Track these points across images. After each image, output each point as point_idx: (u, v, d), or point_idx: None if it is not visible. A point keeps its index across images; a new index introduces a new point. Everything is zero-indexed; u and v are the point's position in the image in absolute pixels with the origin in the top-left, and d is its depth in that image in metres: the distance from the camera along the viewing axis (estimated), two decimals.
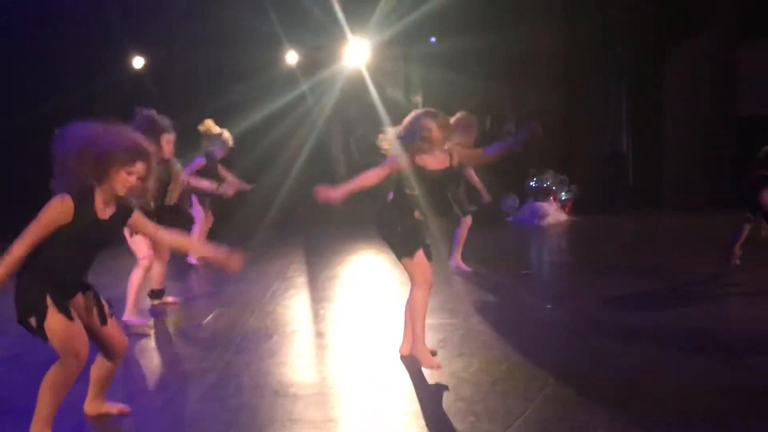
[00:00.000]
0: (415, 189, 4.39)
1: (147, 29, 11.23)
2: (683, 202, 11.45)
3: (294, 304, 6.32)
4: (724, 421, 3.62)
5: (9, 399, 4.09)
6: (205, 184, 6.80)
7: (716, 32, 11.39)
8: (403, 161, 4.36)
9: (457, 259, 7.31)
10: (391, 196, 4.50)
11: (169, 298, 6.32)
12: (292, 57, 11.97)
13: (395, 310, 5.57)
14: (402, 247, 4.43)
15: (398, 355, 4.66)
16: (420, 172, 4.38)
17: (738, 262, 7.05)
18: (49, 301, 3.30)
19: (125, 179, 3.42)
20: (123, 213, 3.54)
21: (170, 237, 3.86)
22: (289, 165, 11.47)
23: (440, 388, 4.15)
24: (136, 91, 11.47)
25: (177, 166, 5.87)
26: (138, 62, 11.95)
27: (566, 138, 11.90)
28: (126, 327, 5.33)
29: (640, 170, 11.70)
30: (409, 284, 4.55)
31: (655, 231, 10.15)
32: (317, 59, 11.92)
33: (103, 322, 3.56)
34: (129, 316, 5.56)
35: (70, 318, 3.35)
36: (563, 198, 11.19)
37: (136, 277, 5.62)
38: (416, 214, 4.49)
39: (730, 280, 6.80)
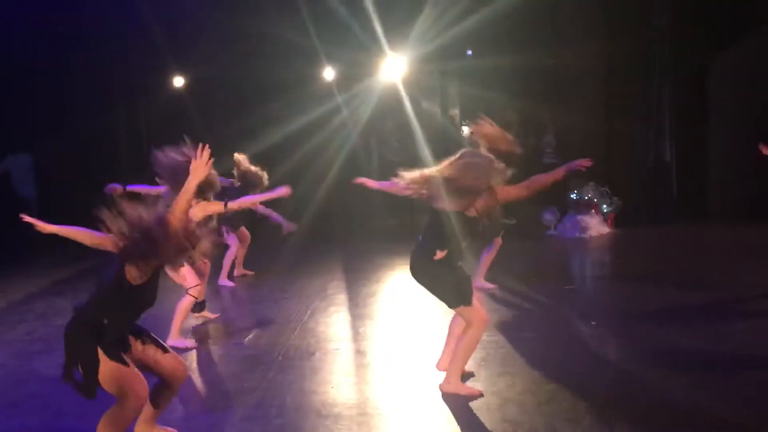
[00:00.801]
0: (464, 239, 4.22)
1: (189, 49, 11.44)
2: (730, 212, 11.14)
3: (335, 322, 6.31)
4: None
5: (58, 421, 4.15)
6: (247, 202, 6.78)
7: (759, 37, 11.10)
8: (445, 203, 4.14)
9: (480, 279, 7.09)
10: (441, 255, 4.23)
11: (209, 314, 6.37)
12: (329, 73, 12.05)
13: (436, 328, 5.52)
14: (455, 299, 4.28)
15: (439, 374, 4.60)
16: (469, 220, 4.22)
17: None
18: (99, 352, 3.36)
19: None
20: (157, 274, 3.56)
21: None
22: (324, 178, 11.52)
23: (484, 408, 4.09)
24: (178, 108, 11.70)
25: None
26: (178, 81, 12.16)
27: (607, 149, 11.69)
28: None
29: (685, 180, 11.42)
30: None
31: (701, 243, 9.89)
32: (354, 74, 11.99)
33: (164, 350, 3.63)
34: (173, 341, 5.61)
35: (124, 364, 3.40)
36: (605, 210, 11.00)
37: (184, 306, 5.69)
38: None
39: None
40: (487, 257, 7.12)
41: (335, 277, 8.28)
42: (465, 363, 4.39)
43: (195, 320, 6.31)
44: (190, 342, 5.70)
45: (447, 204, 4.14)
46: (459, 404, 4.15)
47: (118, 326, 3.47)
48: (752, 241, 9.40)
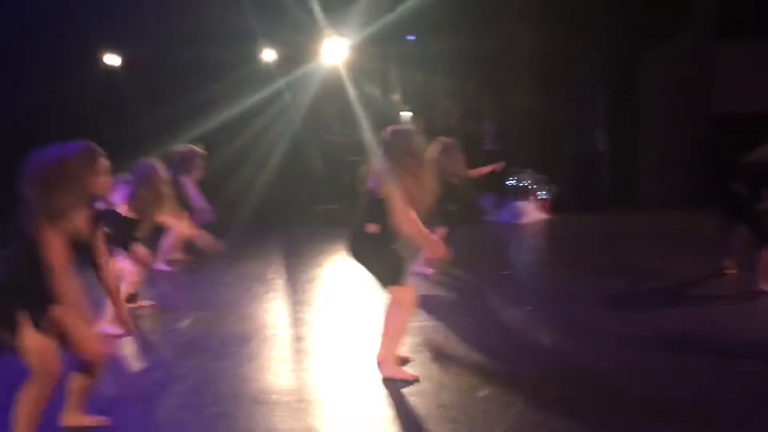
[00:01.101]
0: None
1: (122, 26, 11.09)
2: (659, 199, 11.55)
3: (273, 307, 6.27)
4: (705, 425, 3.64)
5: None
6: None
7: (691, 33, 11.48)
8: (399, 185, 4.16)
9: (420, 264, 7.14)
10: (374, 228, 4.23)
11: (143, 302, 6.24)
12: (269, 54, 11.88)
13: (375, 314, 5.54)
14: (393, 276, 4.28)
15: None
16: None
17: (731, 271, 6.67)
18: (24, 317, 3.23)
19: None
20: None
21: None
22: (265, 162, 11.39)
23: (420, 394, 4.13)
24: (111, 88, 11.35)
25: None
26: (112, 59, 11.79)
27: (544, 137, 11.95)
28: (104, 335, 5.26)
29: (617, 169, 11.77)
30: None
31: (632, 229, 10.22)
32: (294, 56, 11.86)
33: (88, 329, 3.49)
34: (106, 326, 5.47)
35: (47, 336, 3.28)
36: (542, 197, 11.23)
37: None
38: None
39: (708, 279, 6.86)
40: None
41: (275, 262, 8.23)
42: (397, 345, 4.41)
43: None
44: (122, 329, 5.54)
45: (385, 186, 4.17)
46: (395, 391, 4.18)
47: (39, 294, 3.33)
48: (679, 228, 9.76)
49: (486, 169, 7.57)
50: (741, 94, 11.40)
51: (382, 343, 4.43)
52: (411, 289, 4.39)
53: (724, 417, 3.73)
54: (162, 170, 5.83)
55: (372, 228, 4.25)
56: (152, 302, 6.31)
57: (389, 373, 4.33)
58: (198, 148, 7.94)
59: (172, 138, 8.71)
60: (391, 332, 4.36)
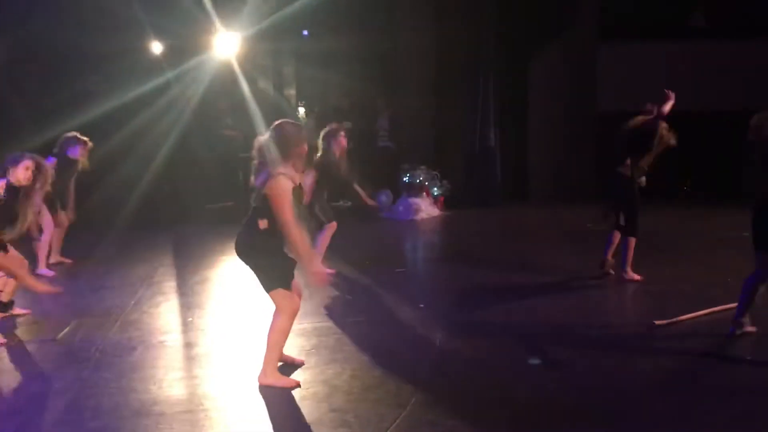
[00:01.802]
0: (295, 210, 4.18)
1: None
2: (548, 195, 11.99)
3: (161, 312, 6.02)
4: (578, 418, 3.78)
5: None
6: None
7: (576, 33, 11.96)
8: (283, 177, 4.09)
9: (317, 263, 7.08)
10: (264, 224, 4.13)
11: (19, 310, 5.84)
12: (156, 46, 11.42)
13: (268, 318, 5.41)
14: (277, 280, 4.17)
15: None
16: (297, 190, 4.17)
17: (611, 271, 6.82)
18: None
19: None
20: None
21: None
22: (152, 157, 10.91)
23: (313, 398, 4.07)
24: None
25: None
26: None
27: (437, 134, 12.13)
28: None
29: (508, 165, 12.11)
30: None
31: (521, 224, 10.54)
32: (184, 49, 11.45)
33: None
34: None
35: None
36: (435, 193, 11.40)
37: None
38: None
39: (590, 273, 7.16)
40: (322, 242, 7.07)
41: (162, 263, 7.91)
42: (278, 353, 4.31)
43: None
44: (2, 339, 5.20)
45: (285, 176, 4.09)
46: (287, 397, 4.10)
47: None
48: (566, 222, 10.16)
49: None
50: (624, 94, 11.98)
51: (265, 352, 4.31)
52: (294, 295, 4.26)
53: (626, 409, 3.89)
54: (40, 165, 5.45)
55: (263, 224, 4.13)
56: (27, 310, 5.91)
57: (269, 381, 4.22)
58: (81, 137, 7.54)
59: (50, 129, 8.22)
60: (272, 341, 4.24)
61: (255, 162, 4.25)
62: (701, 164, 11.70)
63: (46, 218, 7.35)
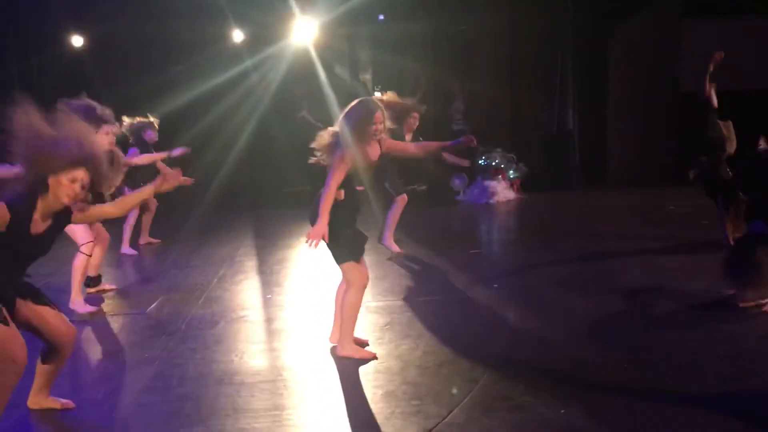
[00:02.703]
0: (363, 184, 4.31)
1: (87, 6, 10.86)
2: (628, 177, 11.68)
3: (242, 290, 6.26)
4: (652, 395, 3.73)
5: None
6: (146, 158, 6.82)
7: (658, 10, 11.56)
8: (354, 153, 4.21)
9: (389, 239, 7.15)
10: (340, 194, 4.23)
11: (106, 286, 6.18)
12: (237, 35, 11.73)
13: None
14: (348, 253, 4.29)
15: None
16: (366, 164, 4.29)
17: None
18: None
19: (68, 187, 3.20)
20: (61, 222, 3.40)
21: (121, 202, 3.74)
22: (233, 144, 11.26)
23: (387, 372, 4.16)
24: (76, 68, 11.13)
25: (119, 154, 5.70)
26: (77, 41, 11.55)
27: (514, 116, 11.99)
28: (72, 314, 5.25)
29: (587, 147, 11.86)
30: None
31: (600, 207, 10.33)
32: (263, 36, 11.71)
33: (52, 311, 3.45)
34: (75, 304, 5.46)
35: (5, 323, 3.19)
36: (512, 176, 11.29)
37: (78, 264, 5.50)
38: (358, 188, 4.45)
39: (671, 256, 6.98)
40: (392, 216, 7.12)
41: (244, 244, 8.19)
42: (353, 325, 4.40)
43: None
44: (92, 307, 5.55)
45: (353, 151, 4.19)
46: (362, 370, 4.21)
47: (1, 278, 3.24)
48: (645, 206, 9.89)
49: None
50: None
51: (336, 324, 4.45)
52: (363, 269, 4.38)
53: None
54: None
55: (339, 195, 4.24)
56: (114, 286, 6.24)
57: (346, 352, 4.35)
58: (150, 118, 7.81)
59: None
60: (345, 314, 4.36)
61: (327, 141, 4.31)
62: None
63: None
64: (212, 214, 9.69)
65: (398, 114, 6.87)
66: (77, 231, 5.40)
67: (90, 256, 5.56)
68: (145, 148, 7.58)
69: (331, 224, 4.22)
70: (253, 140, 11.47)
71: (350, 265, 4.31)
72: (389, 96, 6.72)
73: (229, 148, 11.12)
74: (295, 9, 11.00)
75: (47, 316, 3.45)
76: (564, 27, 11.48)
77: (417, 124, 7.12)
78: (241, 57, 11.73)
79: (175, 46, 11.39)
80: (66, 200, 3.24)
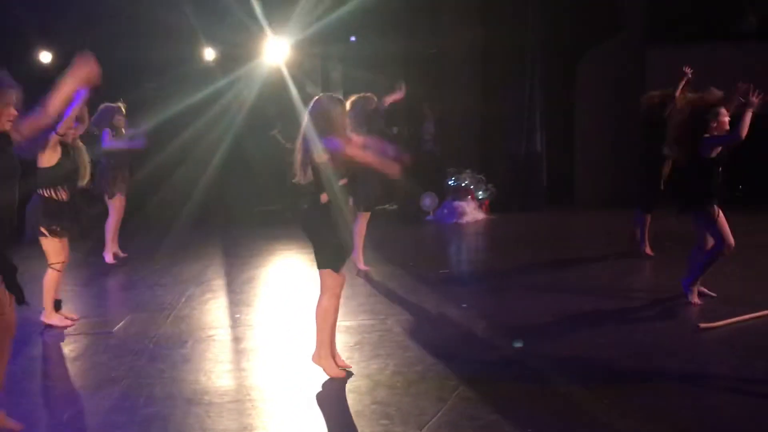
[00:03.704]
0: (344, 179, 4.29)
1: (56, 23, 10.80)
2: (595, 199, 11.87)
3: (211, 309, 6.22)
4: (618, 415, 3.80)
5: None
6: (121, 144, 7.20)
7: (625, 36, 11.85)
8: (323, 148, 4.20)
9: (359, 253, 7.17)
10: (325, 197, 4.27)
11: (69, 315, 5.85)
12: (209, 53, 11.76)
13: (313, 313, 5.55)
14: (331, 260, 4.32)
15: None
16: (340, 160, 4.27)
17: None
18: None
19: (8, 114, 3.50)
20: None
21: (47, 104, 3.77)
22: (205, 162, 11.24)
23: (356, 391, 4.18)
24: (45, 85, 11.02)
25: (80, 144, 5.71)
26: (45, 56, 11.46)
27: (483, 138, 12.14)
28: (47, 329, 5.34)
29: (555, 169, 12.05)
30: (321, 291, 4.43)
31: (568, 228, 10.49)
32: (236, 55, 11.75)
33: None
34: (51, 319, 5.52)
35: None
36: (481, 197, 11.42)
37: (49, 279, 5.50)
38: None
39: (636, 275, 7.12)
40: (358, 232, 7.03)
41: (213, 262, 8.15)
42: (325, 334, 4.41)
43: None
44: (68, 321, 5.58)
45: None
46: (331, 390, 4.22)
47: None
48: (611, 227, 10.04)
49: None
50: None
51: (317, 333, 4.46)
52: (340, 278, 4.40)
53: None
54: None
55: (324, 198, 4.28)
56: (77, 318, 5.86)
57: (321, 363, 4.40)
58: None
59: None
60: (317, 320, 4.40)
61: (299, 146, 4.32)
62: (752, 168, 11.43)
63: (110, 201, 7.73)
64: (183, 232, 9.61)
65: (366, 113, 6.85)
66: (50, 249, 5.39)
67: (60, 272, 5.53)
68: (115, 131, 7.69)
69: (320, 227, 4.28)
70: (226, 158, 11.46)
71: (327, 272, 4.35)
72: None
73: (203, 166, 11.09)
74: (267, 29, 11.07)
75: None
76: (533, 51, 11.70)
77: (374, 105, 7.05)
78: (215, 76, 11.74)
79: (147, 64, 11.35)
80: (7, 126, 3.51)
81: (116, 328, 5.60)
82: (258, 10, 10.72)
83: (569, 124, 12.16)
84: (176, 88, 11.41)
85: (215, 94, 11.71)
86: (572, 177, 12.23)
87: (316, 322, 4.41)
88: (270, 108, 12.67)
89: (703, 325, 5.19)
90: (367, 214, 7.14)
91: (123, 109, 7.85)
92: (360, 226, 7.06)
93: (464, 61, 11.88)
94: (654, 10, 11.91)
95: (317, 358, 4.41)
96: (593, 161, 12.06)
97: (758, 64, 11.62)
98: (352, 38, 12.54)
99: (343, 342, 5.05)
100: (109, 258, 7.84)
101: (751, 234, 8.77)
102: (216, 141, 11.55)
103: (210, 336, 5.38)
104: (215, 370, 4.60)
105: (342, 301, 5.80)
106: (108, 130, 7.61)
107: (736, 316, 5.33)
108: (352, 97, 6.82)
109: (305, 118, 4.30)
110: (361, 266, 7.21)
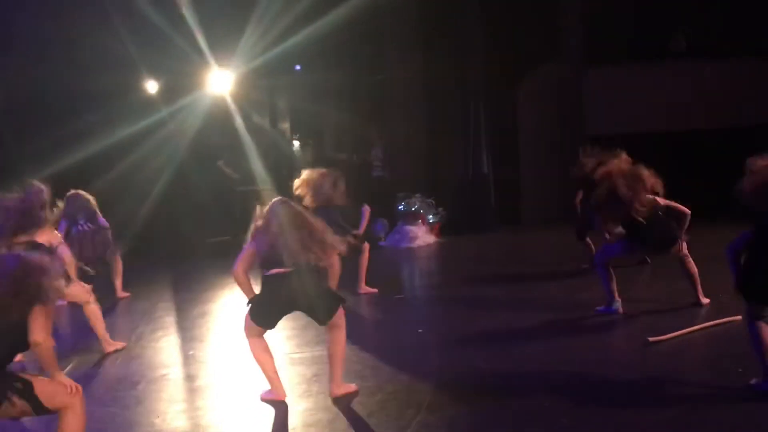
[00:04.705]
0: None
1: None
2: (542, 217, 12.09)
3: (162, 346, 6.07)
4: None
5: None
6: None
7: (563, 59, 12.20)
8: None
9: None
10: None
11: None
12: (152, 85, 11.61)
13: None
14: (336, 302, 4.56)
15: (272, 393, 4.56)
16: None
17: None
18: None
19: None
20: None
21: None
22: (148, 193, 11.03)
23: (316, 425, 4.12)
24: None
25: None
26: None
27: (431, 162, 12.28)
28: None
29: (502, 190, 12.25)
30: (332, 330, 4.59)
31: (517, 247, 10.64)
32: (179, 86, 11.63)
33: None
34: (111, 346, 5.84)
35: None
36: (431, 220, 11.50)
37: (91, 314, 5.79)
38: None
39: (587, 291, 7.23)
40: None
41: (163, 298, 7.97)
42: (265, 369, 4.58)
43: None
44: (121, 343, 5.94)
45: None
46: (291, 424, 4.16)
47: None
48: (559, 244, 10.22)
49: None
50: (612, 117, 12.21)
51: (333, 368, 4.55)
52: (252, 327, 4.68)
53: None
54: None
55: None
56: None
57: (345, 390, 4.53)
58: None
59: (49, 168, 8.33)
60: (342, 356, 4.57)
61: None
62: (686, 182, 11.79)
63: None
64: (129, 268, 9.36)
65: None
66: (76, 292, 5.67)
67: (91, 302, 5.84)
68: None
69: (313, 288, 4.51)
70: (171, 189, 11.26)
71: (339, 313, 4.55)
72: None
73: (145, 198, 10.87)
74: (211, 60, 11.01)
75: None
76: (476, 75, 11.93)
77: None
78: (157, 106, 11.59)
79: (88, 95, 11.12)
80: None
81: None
82: (201, 41, 10.68)
83: (514, 145, 12.41)
84: (118, 118, 11.22)
85: (158, 125, 11.55)
86: (519, 196, 12.45)
87: (338, 355, 4.52)
88: (215, 138, 12.57)
89: (651, 339, 5.29)
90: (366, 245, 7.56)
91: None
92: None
93: (409, 87, 12.04)
94: (591, 32, 12.32)
95: (340, 389, 4.52)
96: (538, 180, 12.32)
97: (689, 81, 12.18)
98: (297, 67, 12.58)
99: (299, 374, 4.99)
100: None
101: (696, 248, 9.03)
102: (159, 171, 11.36)
103: (163, 375, 5.25)
104: (169, 411, 4.48)
105: (297, 332, 5.82)
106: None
107: (683, 329, 5.47)
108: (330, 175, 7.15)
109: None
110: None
